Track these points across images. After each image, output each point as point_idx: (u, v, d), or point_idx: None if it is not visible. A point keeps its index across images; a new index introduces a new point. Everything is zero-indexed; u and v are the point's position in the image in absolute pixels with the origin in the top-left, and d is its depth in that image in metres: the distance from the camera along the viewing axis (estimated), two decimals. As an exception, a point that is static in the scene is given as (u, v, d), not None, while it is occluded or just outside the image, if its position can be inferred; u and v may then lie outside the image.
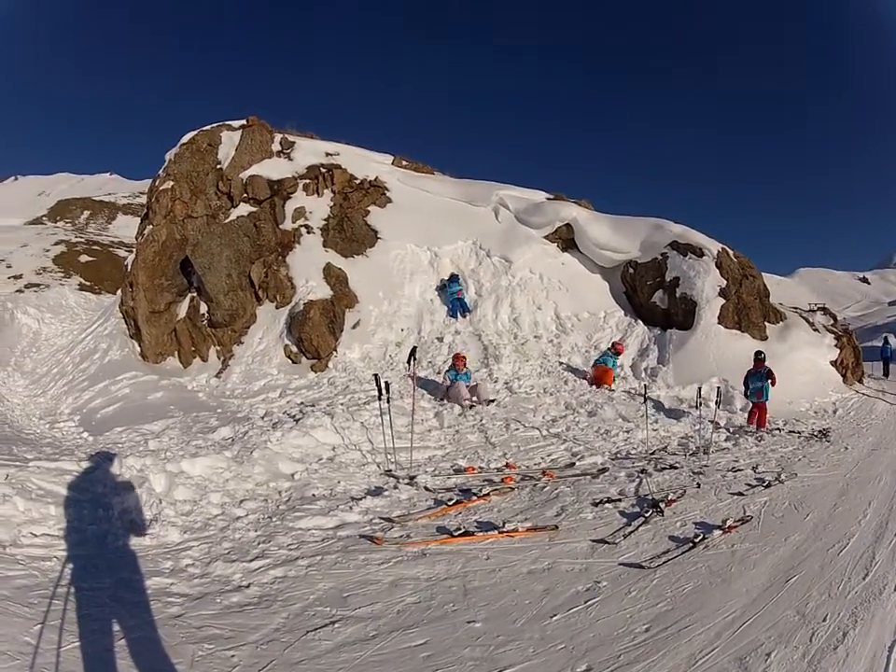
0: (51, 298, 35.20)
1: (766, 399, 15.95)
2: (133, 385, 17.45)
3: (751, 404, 16.24)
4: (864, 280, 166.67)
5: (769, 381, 15.99)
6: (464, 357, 17.29)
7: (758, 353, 16.73)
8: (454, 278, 22.28)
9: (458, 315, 21.78)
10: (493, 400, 15.96)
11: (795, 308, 26.11)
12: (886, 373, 30.46)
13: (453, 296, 21.91)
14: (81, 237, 70.84)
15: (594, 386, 18.22)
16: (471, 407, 15.41)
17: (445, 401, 15.97)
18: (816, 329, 22.45)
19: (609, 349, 19.29)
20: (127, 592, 5.69)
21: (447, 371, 16.92)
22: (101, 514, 7.33)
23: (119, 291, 24.76)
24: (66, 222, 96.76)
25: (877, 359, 31.11)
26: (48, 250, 58.74)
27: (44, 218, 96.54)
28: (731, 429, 15.49)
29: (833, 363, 21.09)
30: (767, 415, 15.85)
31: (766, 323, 21.22)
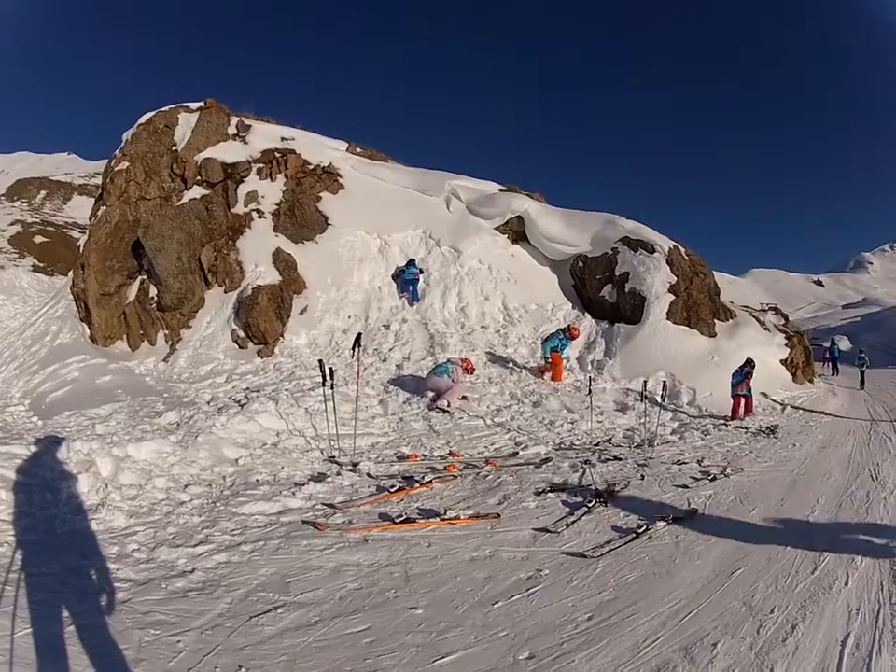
0: (5, 279, 34.89)
1: (749, 393, 17.25)
2: (82, 369, 17.31)
3: (732, 399, 17.27)
4: (818, 283, 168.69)
5: (747, 378, 17.28)
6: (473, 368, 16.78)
7: (747, 360, 17.75)
8: (411, 262, 22.39)
9: (410, 294, 22.01)
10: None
11: (746, 307, 26.42)
12: (834, 372, 33.55)
13: (410, 275, 22.05)
14: (37, 217, 69.88)
15: (543, 376, 18.35)
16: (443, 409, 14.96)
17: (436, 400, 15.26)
18: (766, 329, 22.76)
19: (562, 330, 19.18)
20: (75, 577, 5.68)
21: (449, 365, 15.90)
22: (49, 499, 7.33)
23: (70, 273, 24.54)
24: (23, 202, 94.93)
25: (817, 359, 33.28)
26: (3, 230, 58.02)
27: (2, 198, 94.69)
28: (677, 423, 15.75)
29: (784, 362, 21.50)
30: (753, 402, 17.54)
31: (716, 320, 21.57)
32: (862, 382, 29.22)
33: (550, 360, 18.61)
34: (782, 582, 6.03)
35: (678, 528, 7.60)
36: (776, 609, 5.46)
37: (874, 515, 8.27)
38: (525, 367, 19.02)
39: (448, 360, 16.21)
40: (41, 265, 51.06)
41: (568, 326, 19.70)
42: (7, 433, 11.74)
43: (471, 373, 16.38)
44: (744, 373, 17.35)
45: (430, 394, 15.37)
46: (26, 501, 7.19)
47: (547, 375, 18.47)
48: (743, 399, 17.28)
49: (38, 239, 57.95)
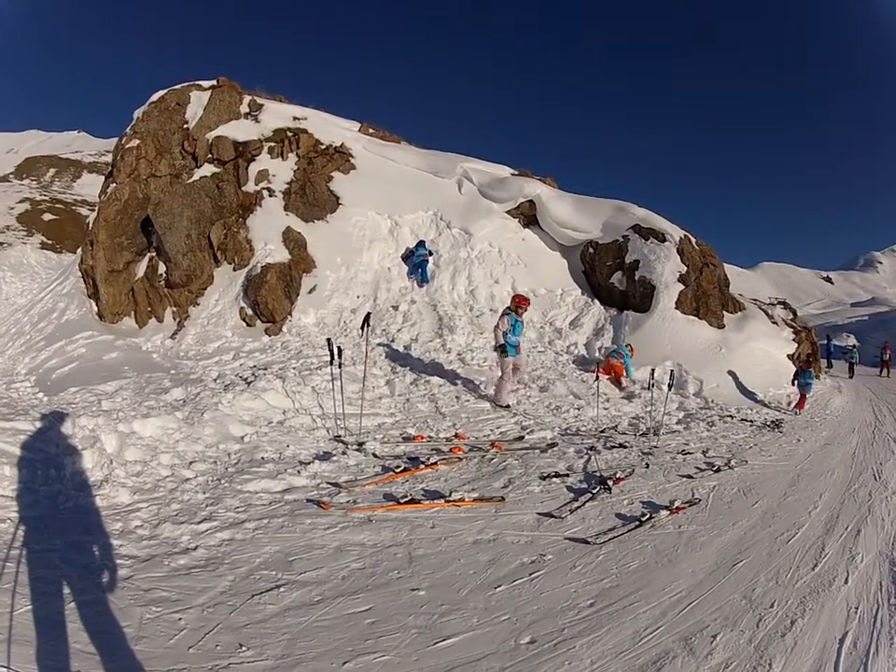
0: (13, 256, 34.98)
1: (809, 393, 19.04)
2: (88, 345, 17.25)
3: (799, 394, 18.96)
4: (828, 279, 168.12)
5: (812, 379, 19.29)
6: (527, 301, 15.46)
7: (809, 355, 19.34)
8: (421, 244, 22.11)
9: (418, 277, 21.80)
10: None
11: (755, 300, 26.42)
12: (829, 366, 37.14)
13: (419, 257, 21.75)
14: (46, 195, 69.96)
15: (602, 377, 16.95)
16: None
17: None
18: (774, 322, 22.76)
19: (625, 347, 18.87)
20: (77, 553, 5.67)
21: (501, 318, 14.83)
22: (53, 475, 7.31)
23: (79, 250, 24.54)
24: (32, 180, 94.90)
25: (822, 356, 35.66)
26: (12, 208, 58.14)
27: (10, 176, 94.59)
28: (683, 413, 15.69)
29: (791, 357, 21.41)
30: (805, 401, 18.82)
31: (725, 312, 21.56)
32: (851, 373, 34.65)
33: (607, 365, 18.03)
34: (783, 577, 6.12)
35: (680, 518, 7.60)
36: (775, 603, 5.51)
37: (875, 514, 8.30)
38: (534, 351, 19.08)
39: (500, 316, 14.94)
40: (49, 242, 51.26)
41: (629, 345, 19.26)
42: (12, 409, 11.65)
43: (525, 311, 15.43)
44: (809, 374, 18.84)
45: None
46: (30, 477, 7.17)
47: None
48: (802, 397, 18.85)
49: (47, 216, 58.13)
